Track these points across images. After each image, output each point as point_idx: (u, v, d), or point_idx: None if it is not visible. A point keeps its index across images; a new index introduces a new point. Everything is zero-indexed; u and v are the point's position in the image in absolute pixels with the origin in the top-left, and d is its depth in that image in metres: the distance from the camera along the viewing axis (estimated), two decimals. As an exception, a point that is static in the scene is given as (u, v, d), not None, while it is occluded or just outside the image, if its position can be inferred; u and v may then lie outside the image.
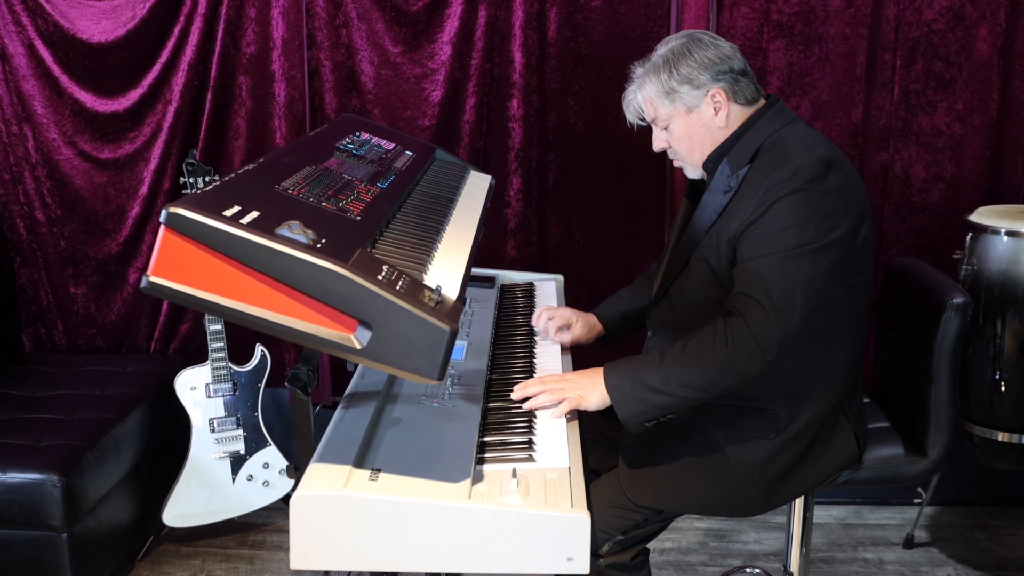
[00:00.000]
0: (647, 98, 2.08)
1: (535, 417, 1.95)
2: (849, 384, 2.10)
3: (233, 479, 3.13)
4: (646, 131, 2.16)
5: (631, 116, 2.15)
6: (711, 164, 2.07)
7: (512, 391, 2.01)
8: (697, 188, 2.17)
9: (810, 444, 2.06)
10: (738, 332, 1.87)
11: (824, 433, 2.07)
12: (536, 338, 2.37)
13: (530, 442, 1.84)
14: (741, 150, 2.02)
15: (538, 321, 2.38)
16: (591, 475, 2.15)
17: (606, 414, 1.99)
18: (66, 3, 3.22)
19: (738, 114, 2.05)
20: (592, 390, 1.95)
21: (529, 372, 2.16)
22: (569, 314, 2.38)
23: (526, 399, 1.98)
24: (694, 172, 2.14)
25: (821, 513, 3.37)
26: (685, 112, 2.05)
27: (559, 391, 1.96)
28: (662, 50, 2.08)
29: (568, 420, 1.94)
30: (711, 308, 2.00)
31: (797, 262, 1.88)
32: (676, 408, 1.94)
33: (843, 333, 2.03)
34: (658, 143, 2.14)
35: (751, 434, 2.03)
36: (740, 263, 1.94)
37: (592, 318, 2.41)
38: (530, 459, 1.77)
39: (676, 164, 2.17)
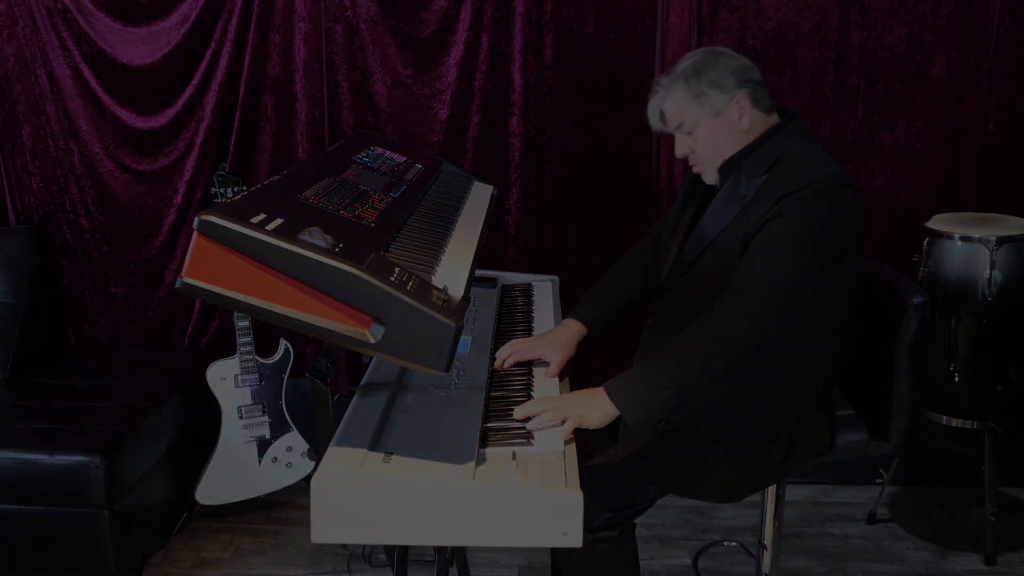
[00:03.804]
0: (675, 103, 2.01)
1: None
2: (829, 383, 2.09)
3: (259, 461, 3.12)
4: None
5: (655, 123, 2.08)
6: (726, 169, 2.01)
7: (507, 372, 1.97)
8: (703, 189, 2.11)
9: (792, 439, 2.04)
10: (729, 308, 1.83)
11: (805, 428, 2.06)
12: (534, 334, 2.34)
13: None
14: (759, 159, 1.96)
15: (500, 354, 2.15)
16: (586, 457, 2.15)
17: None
18: (108, 30, 3.22)
19: (759, 121, 2.00)
20: (594, 409, 1.85)
21: (527, 365, 2.15)
22: (538, 352, 2.13)
23: (528, 419, 1.84)
24: (713, 178, 2.06)
25: (792, 492, 3.37)
26: (712, 115, 1.98)
27: (561, 411, 1.84)
28: (687, 62, 2.02)
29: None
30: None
31: (800, 250, 1.84)
32: (682, 400, 1.85)
33: (829, 340, 2.00)
34: (681, 149, 2.06)
35: (741, 433, 2.00)
36: (747, 251, 1.89)
37: (565, 333, 2.20)
38: (528, 443, 1.77)
39: (696, 170, 2.08)
